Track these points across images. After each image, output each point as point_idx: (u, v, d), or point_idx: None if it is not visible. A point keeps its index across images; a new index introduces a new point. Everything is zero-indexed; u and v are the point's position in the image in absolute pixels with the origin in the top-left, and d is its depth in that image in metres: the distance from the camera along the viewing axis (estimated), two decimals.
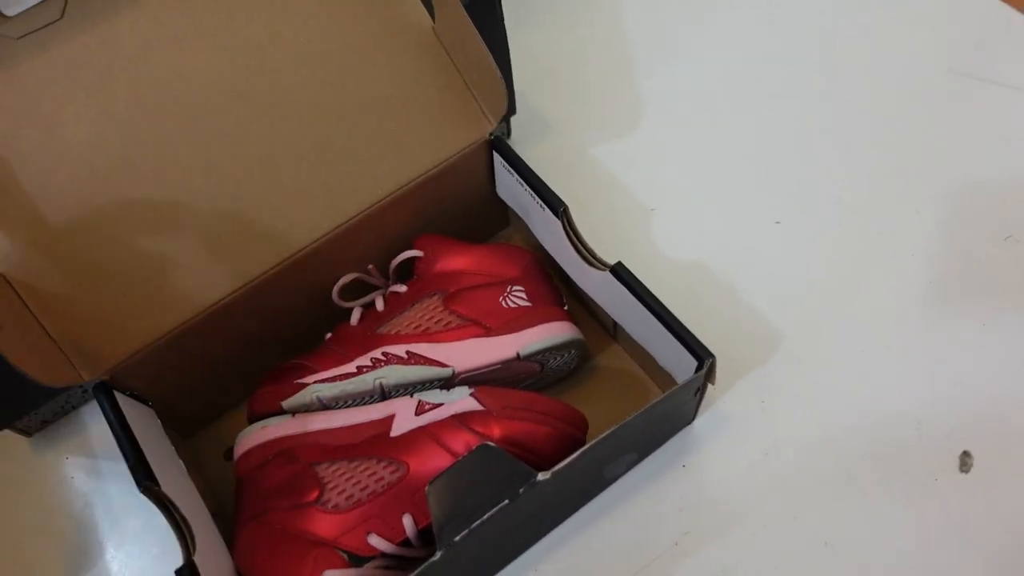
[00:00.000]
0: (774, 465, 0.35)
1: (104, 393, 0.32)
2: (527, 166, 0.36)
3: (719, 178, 0.44)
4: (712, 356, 0.30)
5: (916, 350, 0.37)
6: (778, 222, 0.42)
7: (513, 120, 0.46)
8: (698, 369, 0.30)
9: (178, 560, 0.37)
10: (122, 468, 0.39)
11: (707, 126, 0.46)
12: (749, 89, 0.47)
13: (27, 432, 0.41)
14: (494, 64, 0.34)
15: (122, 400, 0.32)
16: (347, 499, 0.31)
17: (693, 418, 0.35)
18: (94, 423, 0.41)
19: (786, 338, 0.38)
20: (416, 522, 0.30)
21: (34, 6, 0.30)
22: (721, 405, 0.37)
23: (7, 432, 0.40)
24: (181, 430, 0.39)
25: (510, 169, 0.36)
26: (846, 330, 0.38)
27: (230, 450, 0.36)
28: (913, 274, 0.39)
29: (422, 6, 0.37)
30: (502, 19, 0.38)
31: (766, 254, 0.41)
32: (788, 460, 0.35)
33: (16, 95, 0.31)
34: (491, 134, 0.37)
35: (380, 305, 0.37)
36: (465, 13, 0.33)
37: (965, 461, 0.35)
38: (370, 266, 0.38)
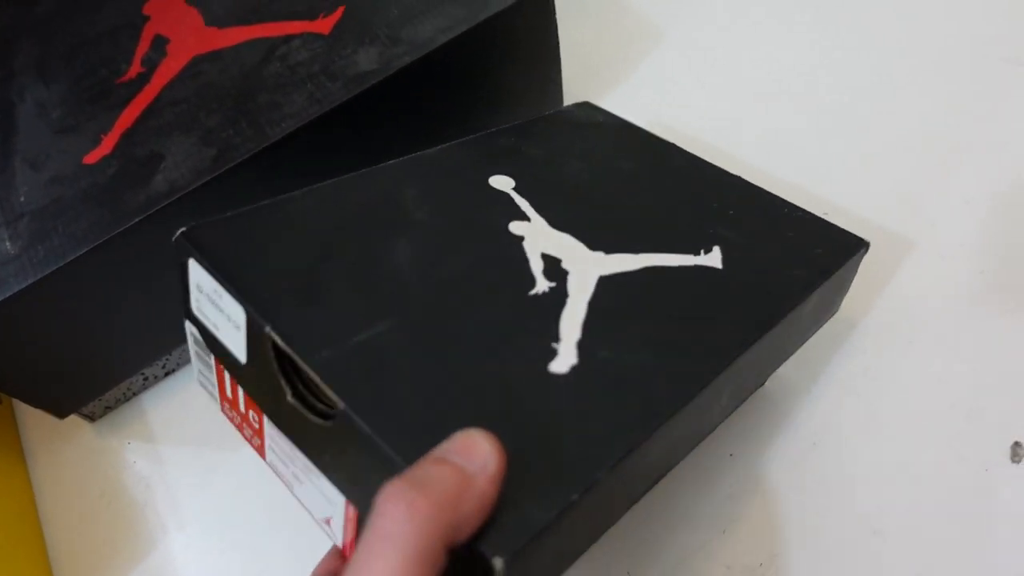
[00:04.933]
0: (823, 455, 0.35)
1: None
2: None
3: (768, 171, 0.44)
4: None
5: (965, 341, 0.37)
6: (825, 213, 0.42)
7: None
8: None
9: (236, 541, 0.38)
10: (182, 453, 0.41)
11: (756, 118, 0.46)
12: (799, 83, 0.47)
13: (91, 418, 0.42)
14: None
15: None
16: None
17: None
18: (153, 409, 0.42)
19: (834, 328, 0.38)
20: None
21: None
22: (767, 396, 0.37)
23: (73, 417, 0.41)
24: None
25: None
26: (894, 321, 0.38)
27: None
28: (962, 264, 0.39)
29: None
30: (554, 14, 0.39)
31: None
32: (836, 450, 0.35)
33: None
34: None
35: None
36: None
37: (1016, 451, 0.34)
38: None
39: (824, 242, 0.33)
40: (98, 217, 0.34)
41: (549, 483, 0.22)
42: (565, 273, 0.30)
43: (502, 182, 0.34)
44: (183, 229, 0.27)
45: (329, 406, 0.24)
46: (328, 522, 0.25)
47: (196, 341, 0.28)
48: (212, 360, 0.28)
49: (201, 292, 0.27)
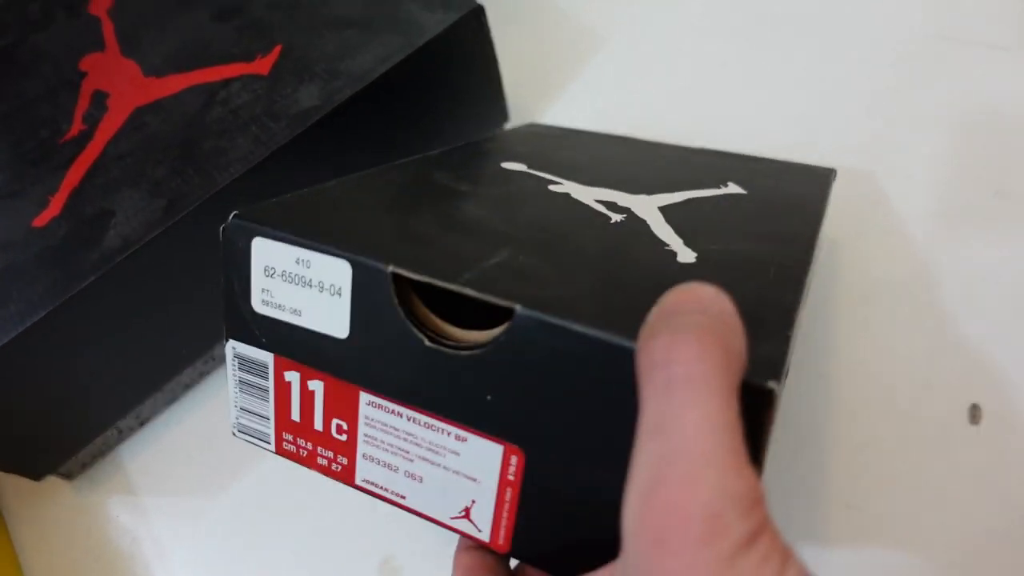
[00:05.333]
0: (789, 433, 0.36)
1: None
2: None
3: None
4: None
5: (917, 308, 0.39)
6: None
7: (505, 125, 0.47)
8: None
9: None
10: (165, 503, 0.41)
11: (702, 108, 0.47)
12: (740, 70, 0.48)
13: (68, 476, 0.42)
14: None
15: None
16: None
17: None
18: (132, 461, 0.42)
19: None
20: None
21: None
22: None
23: (50, 478, 0.41)
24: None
25: None
26: (845, 293, 0.40)
27: None
28: (908, 235, 0.41)
29: None
30: (489, 33, 0.39)
31: None
32: (803, 428, 0.37)
33: None
34: None
35: None
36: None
37: (974, 413, 0.36)
38: None
39: (804, 175, 0.37)
40: (53, 279, 0.34)
41: (762, 329, 0.21)
42: (627, 208, 0.30)
43: (515, 165, 0.34)
44: (234, 213, 0.23)
45: (468, 347, 0.21)
46: (467, 513, 0.22)
47: (242, 364, 0.25)
48: (270, 380, 0.24)
49: (272, 276, 0.23)
